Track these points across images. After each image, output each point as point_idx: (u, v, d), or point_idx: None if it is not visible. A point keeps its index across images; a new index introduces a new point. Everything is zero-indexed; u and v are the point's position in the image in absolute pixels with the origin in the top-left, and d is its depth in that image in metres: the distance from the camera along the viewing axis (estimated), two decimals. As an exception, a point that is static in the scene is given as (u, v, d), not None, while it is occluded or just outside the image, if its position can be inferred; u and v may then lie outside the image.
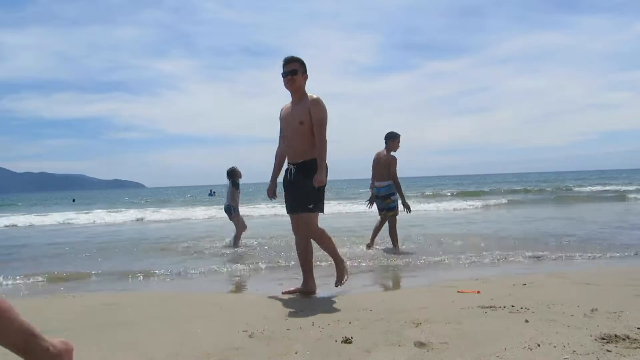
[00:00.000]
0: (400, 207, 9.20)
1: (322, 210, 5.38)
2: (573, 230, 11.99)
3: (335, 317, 4.45)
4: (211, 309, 4.93)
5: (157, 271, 7.66)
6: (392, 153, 9.15)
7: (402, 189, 9.09)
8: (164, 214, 23.71)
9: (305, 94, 5.24)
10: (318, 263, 6.94)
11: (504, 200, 26.76)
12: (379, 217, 9.51)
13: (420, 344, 3.55)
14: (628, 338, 3.53)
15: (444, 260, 8.08)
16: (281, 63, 5.28)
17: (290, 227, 5.54)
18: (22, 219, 23.11)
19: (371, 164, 9.36)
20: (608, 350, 3.29)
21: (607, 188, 36.28)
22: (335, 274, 5.62)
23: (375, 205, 9.54)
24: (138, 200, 53.40)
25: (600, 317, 4.09)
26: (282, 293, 5.56)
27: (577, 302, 4.63)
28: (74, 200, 61.06)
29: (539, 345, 3.44)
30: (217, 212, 20.56)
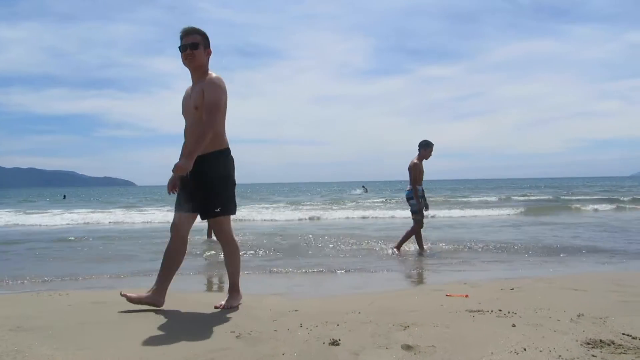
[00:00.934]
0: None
1: (233, 212, 4.67)
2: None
3: (323, 318, 4.44)
4: (199, 309, 4.91)
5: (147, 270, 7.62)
6: (415, 161, 9.44)
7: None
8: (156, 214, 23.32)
9: (206, 72, 4.41)
10: (304, 270, 6.89)
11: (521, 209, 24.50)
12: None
13: (408, 347, 3.56)
14: (613, 343, 3.57)
15: (438, 263, 8.12)
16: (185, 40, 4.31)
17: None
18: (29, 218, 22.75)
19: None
20: (593, 356, 3.32)
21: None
22: (227, 298, 4.95)
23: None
24: (140, 198, 52.59)
25: (586, 322, 4.12)
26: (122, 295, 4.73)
27: (563, 307, 4.66)
28: (64, 197, 60.33)
29: (525, 350, 3.46)
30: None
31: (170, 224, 4.65)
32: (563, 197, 38.75)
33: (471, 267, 7.86)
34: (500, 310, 4.58)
